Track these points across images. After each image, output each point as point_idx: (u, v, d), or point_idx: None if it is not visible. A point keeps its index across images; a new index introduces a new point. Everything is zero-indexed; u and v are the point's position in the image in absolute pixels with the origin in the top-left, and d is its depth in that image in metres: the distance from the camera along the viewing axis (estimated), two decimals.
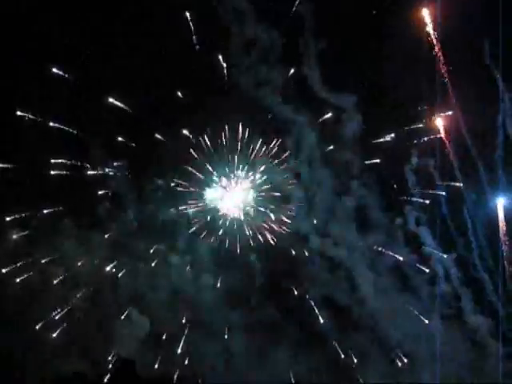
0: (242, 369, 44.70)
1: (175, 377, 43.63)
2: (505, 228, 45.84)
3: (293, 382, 45.17)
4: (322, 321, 45.80)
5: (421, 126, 43.31)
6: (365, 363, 46.78)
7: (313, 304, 45.79)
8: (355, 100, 42.87)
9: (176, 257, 44.98)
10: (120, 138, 42.75)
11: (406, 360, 46.87)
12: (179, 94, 42.28)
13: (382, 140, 43.76)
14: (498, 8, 39.29)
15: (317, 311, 45.81)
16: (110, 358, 42.30)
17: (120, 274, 44.03)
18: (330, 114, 43.37)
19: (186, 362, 43.96)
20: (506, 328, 46.22)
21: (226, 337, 44.95)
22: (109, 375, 41.52)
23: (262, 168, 44.92)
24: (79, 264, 43.01)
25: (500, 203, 45.27)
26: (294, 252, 45.49)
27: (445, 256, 46.06)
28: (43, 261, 42.00)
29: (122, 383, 41.49)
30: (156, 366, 42.98)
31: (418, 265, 46.24)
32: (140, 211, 44.31)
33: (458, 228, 45.73)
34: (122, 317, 43.81)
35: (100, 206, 43.21)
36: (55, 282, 42.39)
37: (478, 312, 46.80)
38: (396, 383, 47.04)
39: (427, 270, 46.34)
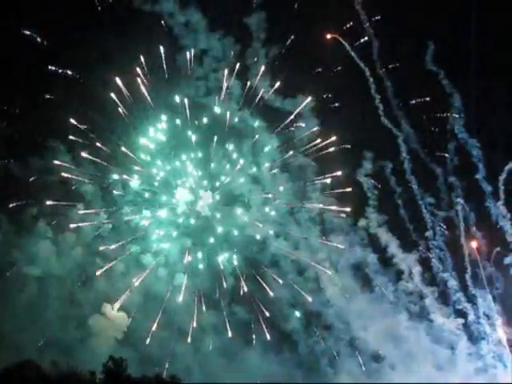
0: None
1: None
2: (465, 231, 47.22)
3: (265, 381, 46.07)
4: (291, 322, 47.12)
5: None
6: (336, 364, 47.85)
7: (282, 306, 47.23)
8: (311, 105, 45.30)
9: (148, 257, 46.90)
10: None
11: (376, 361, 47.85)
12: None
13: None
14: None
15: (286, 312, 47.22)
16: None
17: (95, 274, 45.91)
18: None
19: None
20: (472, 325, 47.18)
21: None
22: (100, 374, 41.58)
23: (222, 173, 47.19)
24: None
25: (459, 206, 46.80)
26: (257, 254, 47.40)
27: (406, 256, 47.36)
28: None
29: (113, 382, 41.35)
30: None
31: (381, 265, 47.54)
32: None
33: (417, 230, 47.33)
34: (98, 316, 45.55)
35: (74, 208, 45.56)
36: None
37: (442, 311, 47.67)
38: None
39: (391, 270, 47.69)
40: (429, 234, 47.11)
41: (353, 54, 43.89)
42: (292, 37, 44.24)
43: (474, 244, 46.44)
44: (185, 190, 47.31)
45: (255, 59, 44.38)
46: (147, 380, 42.32)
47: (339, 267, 47.58)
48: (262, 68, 44.58)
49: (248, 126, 45.81)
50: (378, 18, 43.21)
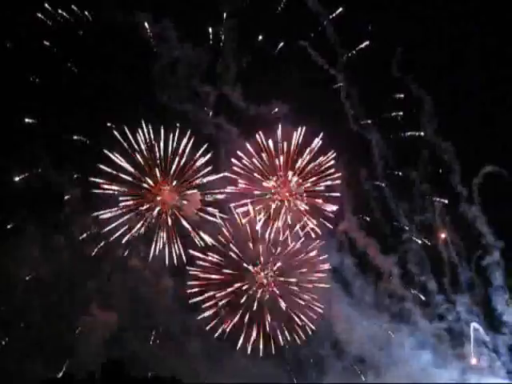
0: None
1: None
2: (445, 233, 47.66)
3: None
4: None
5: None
6: (321, 368, 48.82)
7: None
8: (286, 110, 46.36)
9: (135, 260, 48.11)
10: None
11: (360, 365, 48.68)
12: None
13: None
14: None
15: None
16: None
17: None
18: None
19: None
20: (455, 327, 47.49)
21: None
22: (97, 376, 42.79)
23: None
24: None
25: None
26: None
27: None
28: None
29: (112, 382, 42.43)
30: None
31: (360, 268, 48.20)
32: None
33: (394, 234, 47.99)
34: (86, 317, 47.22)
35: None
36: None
37: (423, 314, 48.10)
38: None
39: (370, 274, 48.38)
40: (406, 237, 47.79)
41: (322, 61, 45.10)
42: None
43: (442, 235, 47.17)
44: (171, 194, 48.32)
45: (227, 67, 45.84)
46: (146, 380, 43.63)
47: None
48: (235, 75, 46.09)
49: (223, 132, 47.11)
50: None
